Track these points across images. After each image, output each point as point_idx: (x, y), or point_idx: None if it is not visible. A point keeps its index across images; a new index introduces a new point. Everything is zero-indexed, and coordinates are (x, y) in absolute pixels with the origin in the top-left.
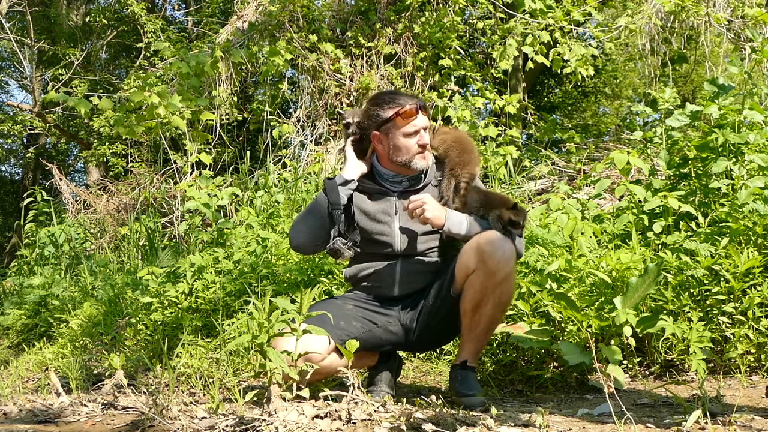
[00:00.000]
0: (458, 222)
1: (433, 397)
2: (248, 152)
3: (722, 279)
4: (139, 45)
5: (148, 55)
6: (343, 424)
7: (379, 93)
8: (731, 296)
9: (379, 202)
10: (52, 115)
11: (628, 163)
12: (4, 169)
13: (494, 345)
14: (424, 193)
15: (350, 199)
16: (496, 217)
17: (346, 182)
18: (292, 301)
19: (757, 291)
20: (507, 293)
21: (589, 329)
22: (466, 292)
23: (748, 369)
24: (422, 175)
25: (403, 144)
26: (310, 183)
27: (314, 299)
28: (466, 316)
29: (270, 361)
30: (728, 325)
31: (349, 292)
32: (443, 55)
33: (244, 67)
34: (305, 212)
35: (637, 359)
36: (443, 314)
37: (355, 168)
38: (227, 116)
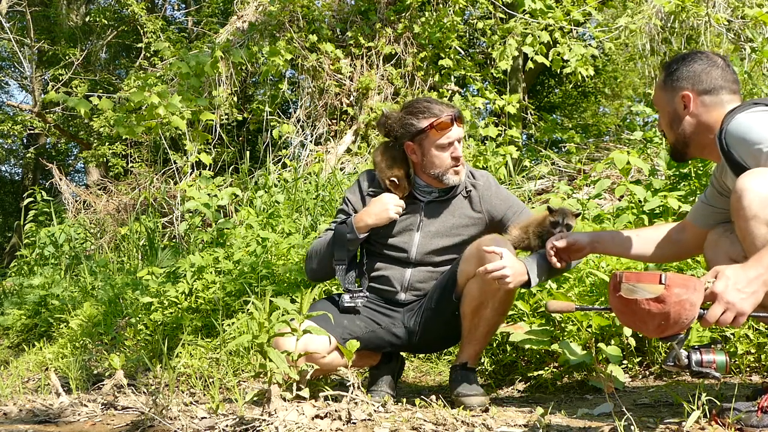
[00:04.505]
0: (540, 268)
1: (433, 397)
2: (248, 152)
3: None
4: (139, 45)
5: (148, 55)
6: (343, 424)
7: (414, 101)
8: None
9: (404, 212)
10: (52, 115)
11: (628, 163)
12: (4, 169)
13: (494, 345)
14: (504, 259)
15: (366, 244)
16: (538, 232)
17: (356, 239)
18: (292, 301)
19: None
20: (506, 298)
21: (589, 329)
22: (466, 296)
23: (748, 369)
24: (455, 187)
25: (436, 156)
26: (310, 183)
27: (314, 299)
28: (466, 319)
29: (270, 361)
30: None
31: None
32: (443, 55)
33: (244, 67)
34: (318, 248)
35: (637, 359)
36: (446, 318)
37: (374, 219)
38: (227, 116)
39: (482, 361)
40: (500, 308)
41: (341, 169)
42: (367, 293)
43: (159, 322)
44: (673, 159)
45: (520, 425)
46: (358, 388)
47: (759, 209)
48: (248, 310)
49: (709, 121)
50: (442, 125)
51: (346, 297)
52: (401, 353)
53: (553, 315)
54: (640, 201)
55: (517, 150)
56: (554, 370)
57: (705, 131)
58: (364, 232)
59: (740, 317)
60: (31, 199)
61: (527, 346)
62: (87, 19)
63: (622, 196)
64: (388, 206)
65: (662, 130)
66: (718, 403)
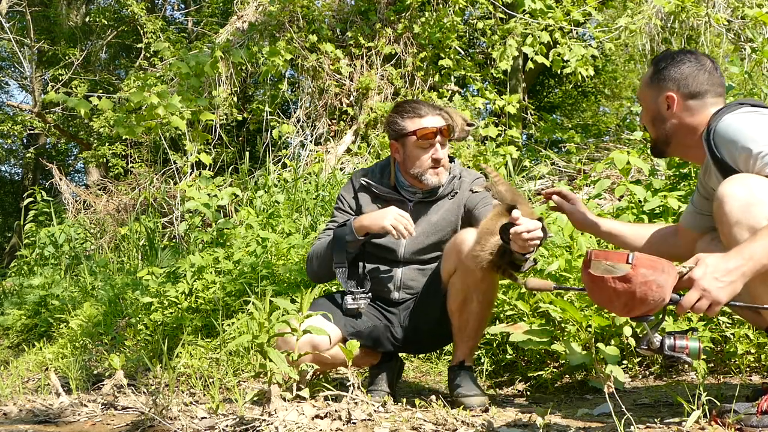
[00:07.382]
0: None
1: (433, 397)
2: (248, 152)
3: None
4: (139, 45)
5: (148, 55)
6: (343, 424)
7: (404, 102)
8: None
9: None
10: (52, 115)
11: (628, 163)
12: (4, 169)
13: (494, 345)
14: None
15: (363, 246)
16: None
17: (355, 240)
18: (292, 301)
19: None
20: (490, 289)
21: (589, 329)
22: (450, 292)
23: (748, 369)
24: (438, 189)
25: (416, 156)
26: (309, 183)
27: (314, 299)
28: (454, 316)
29: (270, 361)
30: (728, 325)
31: None
32: (443, 55)
33: (244, 67)
34: (319, 250)
35: (637, 359)
36: (437, 316)
37: (369, 224)
38: (227, 116)
39: (482, 361)
40: (485, 300)
41: (341, 169)
42: (370, 294)
43: (159, 322)
44: (653, 154)
45: (520, 425)
46: (358, 388)
47: (741, 215)
48: (248, 310)
49: (693, 123)
50: (426, 136)
51: (349, 299)
52: (400, 354)
53: (553, 314)
54: (640, 201)
55: (517, 150)
56: (554, 370)
57: (688, 132)
58: (361, 234)
59: (715, 306)
60: (31, 199)
61: (527, 347)
62: (87, 19)
63: (622, 196)
64: (386, 215)
65: (644, 125)
66: (718, 404)
